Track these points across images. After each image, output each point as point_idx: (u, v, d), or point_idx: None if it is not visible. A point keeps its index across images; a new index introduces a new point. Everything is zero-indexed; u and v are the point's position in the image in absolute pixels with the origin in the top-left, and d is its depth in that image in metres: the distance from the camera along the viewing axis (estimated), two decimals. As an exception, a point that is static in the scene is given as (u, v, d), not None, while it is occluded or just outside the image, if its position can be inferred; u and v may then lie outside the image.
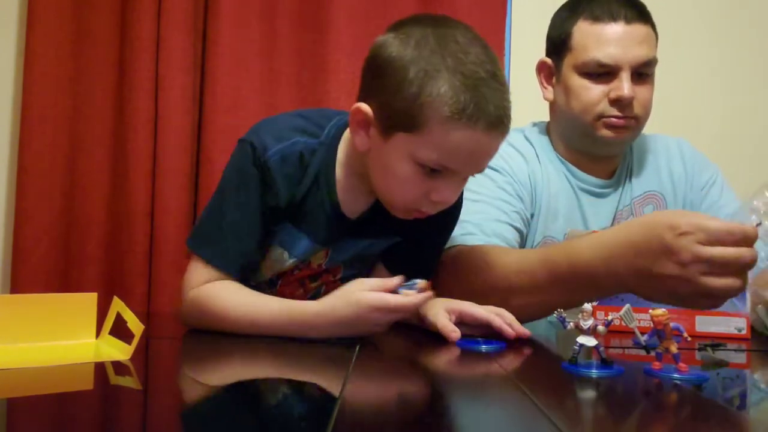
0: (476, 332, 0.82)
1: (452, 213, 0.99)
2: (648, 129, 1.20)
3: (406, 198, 0.84)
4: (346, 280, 1.01)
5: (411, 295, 0.77)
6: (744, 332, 0.88)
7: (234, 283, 0.86)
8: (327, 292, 1.01)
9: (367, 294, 0.77)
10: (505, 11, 1.80)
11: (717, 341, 0.81)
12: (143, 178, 1.63)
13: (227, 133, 1.66)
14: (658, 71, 1.14)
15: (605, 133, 1.11)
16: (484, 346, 0.75)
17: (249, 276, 0.93)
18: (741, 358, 0.79)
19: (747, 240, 0.71)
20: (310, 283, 0.99)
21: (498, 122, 0.78)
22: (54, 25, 1.62)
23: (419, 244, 0.99)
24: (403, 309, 0.77)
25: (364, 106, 0.82)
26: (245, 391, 0.59)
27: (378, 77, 0.81)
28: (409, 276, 1.02)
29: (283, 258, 0.92)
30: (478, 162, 0.82)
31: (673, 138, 1.26)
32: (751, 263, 0.72)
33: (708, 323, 0.88)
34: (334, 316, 0.78)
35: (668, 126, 1.41)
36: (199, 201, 1.68)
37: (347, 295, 0.78)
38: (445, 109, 0.75)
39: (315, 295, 0.91)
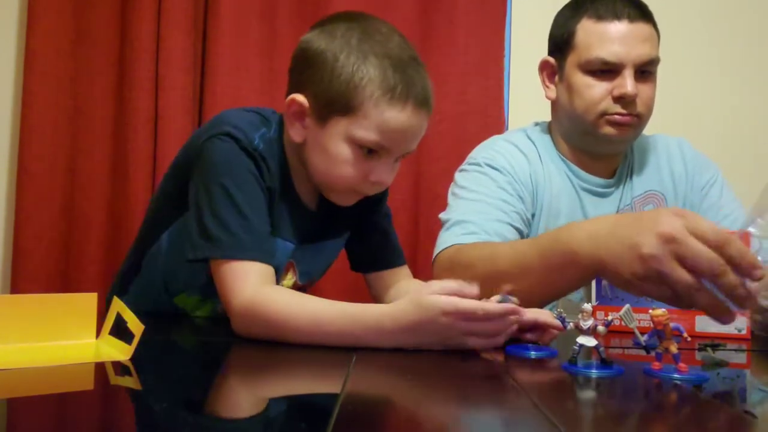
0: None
1: (381, 196, 1.06)
2: (652, 128, 1.20)
3: (347, 180, 0.87)
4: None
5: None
6: (744, 332, 0.88)
7: (285, 288, 0.82)
8: None
9: (435, 297, 0.69)
10: (505, 11, 1.80)
11: (717, 341, 0.81)
12: (143, 178, 1.63)
13: (227, 133, 1.67)
14: (663, 70, 1.14)
15: (608, 130, 1.11)
16: (533, 353, 0.70)
17: None
18: (741, 358, 0.79)
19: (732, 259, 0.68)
20: None
21: (424, 101, 0.85)
22: (54, 25, 1.62)
23: (368, 233, 1.07)
24: (474, 316, 0.69)
25: (300, 97, 0.86)
26: (245, 391, 0.59)
27: (309, 69, 0.86)
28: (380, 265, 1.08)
29: None
30: (409, 140, 0.87)
31: (673, 138, 1.26)
32: (728, 285, 0.68)
33: (708, 323, 0.88)
34: (401, 320, 0.70)
35: (673, 125, 1.41)
36: (199, 201, 1.68)
37: (415, 298, 0.70)
38: (377, 90, 0.82)
39: None
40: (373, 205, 1.04)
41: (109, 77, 1.66)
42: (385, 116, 0.82)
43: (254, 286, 0.78)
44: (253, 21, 1.71)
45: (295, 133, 0.88)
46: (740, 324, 0.88)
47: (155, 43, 1.65)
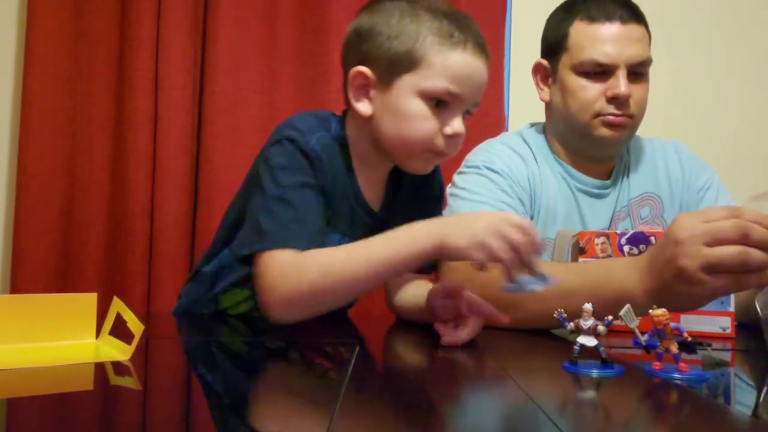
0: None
1: (436, 191, 1.06)
2: (656, 129, 1.20)
3: (423, 135, 0.87)
4: None
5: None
6: (729, 331, 0.87)
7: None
8: None
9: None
10: (505, 11, 1.80)
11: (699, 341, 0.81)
12: (143, 178, 1.63)
13: (227, 133, 1.67)
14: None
15: (603, 132, 1.11)
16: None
17: None
18: (725, 357, 0.79)
19: (747, 237, 0.69)
20: None
21: (482, 47, 0.88)
22: (54, 24, 1.62)
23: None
24: (519, 229, 0.73)
25: (364, 68, 0.88)
26: (244, 390, 0.59)
27: (366, 42, 0.88)
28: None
29: None
30: (476, 86, 0.87)
31: (669, 141, 1.27)
32: (756, 263, 0.69)
33: (693, 322, 0.88)
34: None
35: (677, 126, 1.41)
36: (198, 201, 1.68)
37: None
38: (436, 38, 0.85)
39: None
40: (432, 201, 1.05)
41: (109, 77, 1.66)
42: (449, 60, 0.84)
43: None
44: (253, 21, 1.71)
45: (363, 107, 0.89)
46: (725, 323, 0.88)
47: (155, 43, 1.65)
